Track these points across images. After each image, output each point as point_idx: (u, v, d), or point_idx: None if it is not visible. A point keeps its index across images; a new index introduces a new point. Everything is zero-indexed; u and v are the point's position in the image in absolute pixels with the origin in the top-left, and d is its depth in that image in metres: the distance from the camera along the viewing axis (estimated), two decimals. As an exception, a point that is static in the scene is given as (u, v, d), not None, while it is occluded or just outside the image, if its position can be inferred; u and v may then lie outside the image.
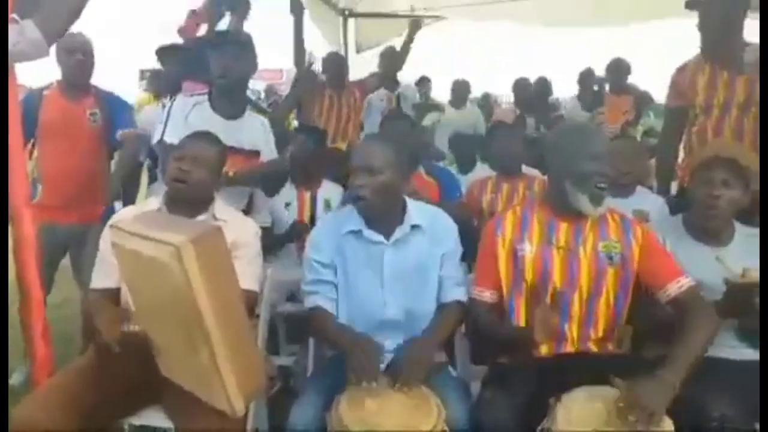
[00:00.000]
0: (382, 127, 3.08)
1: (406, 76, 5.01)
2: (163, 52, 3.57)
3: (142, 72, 3.41)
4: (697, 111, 2.62)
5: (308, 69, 3.71)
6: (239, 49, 2.44)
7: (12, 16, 1.72)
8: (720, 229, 1.94)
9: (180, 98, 2.41)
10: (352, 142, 4.05)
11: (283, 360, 2.66)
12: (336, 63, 4.37)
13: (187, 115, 2.34)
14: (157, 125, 2.42)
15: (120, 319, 1.70)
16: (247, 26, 3.32)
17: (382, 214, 1.87)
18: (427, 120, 5.32)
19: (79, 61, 2.78)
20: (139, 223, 1.55)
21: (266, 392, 2.45)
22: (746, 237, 1.95)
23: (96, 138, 2.87)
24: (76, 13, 1.86)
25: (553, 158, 1.85)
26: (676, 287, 1.74)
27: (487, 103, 7.26)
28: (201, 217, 1.97)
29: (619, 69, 4.78)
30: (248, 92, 3.24)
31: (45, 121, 2.76)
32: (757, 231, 1.98)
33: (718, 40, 2.50)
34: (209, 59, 2.41)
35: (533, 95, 5.29)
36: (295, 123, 4.72)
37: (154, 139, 2.44)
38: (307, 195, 2.91)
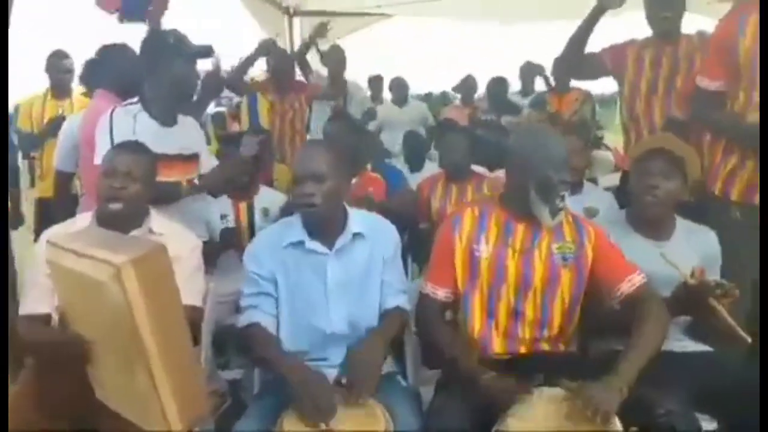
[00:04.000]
0: (325, 130, 3.03)
1: (354, 75, 4.94)
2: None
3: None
4: (625, 88, 2.64)
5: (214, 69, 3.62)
6: (195, 58, 2.36)
7: None
8: (661, 221, 1.97)
9: (118, 111, 2.24)
10: (296, 146, 3.97)
11: (233, 374, 2.59)
12: (283, 62, 4.20)
13: (134, 128, 2.20)
14: (100, 147, 2.17)
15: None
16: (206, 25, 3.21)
17: (326, 223, 1.83)
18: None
19: None
20: (77, 240, 1.46)
21: (216, 409, 2.40)
22: (687, 231, 1.99)
23: None
24: None
25: (515, 163, 1.84)
26: (628, 285, 1.75)
27: (445, 100, 7.28)
28: (135, 232, 1.88)
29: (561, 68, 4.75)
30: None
31: None
32: (697, 225, 2.02)
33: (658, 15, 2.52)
34: (156, 67, 2.27)
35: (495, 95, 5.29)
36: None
37: (100, 162, 2.16)
38: (243, 205, 2.81)
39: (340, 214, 1.85)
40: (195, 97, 3.43)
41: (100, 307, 1.35)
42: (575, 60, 2.67)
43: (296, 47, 5.09)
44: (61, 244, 1.45)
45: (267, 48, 3.92)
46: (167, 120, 2.33)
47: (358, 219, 1.87)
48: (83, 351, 1.51)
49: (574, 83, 4.64)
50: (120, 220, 1.84)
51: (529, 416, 1.51)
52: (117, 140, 2.13)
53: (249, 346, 1.85)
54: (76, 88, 3.67)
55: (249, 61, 3.88)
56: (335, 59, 4.60)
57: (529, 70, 5.39)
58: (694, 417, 1.60)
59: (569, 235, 1.83)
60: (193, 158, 2.43)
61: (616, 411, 1.44)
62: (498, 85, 5.27)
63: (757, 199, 2.13)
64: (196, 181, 2.37)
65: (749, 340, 1.57)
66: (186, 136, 2.41)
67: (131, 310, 1.29)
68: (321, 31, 4.48)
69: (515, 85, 5.56)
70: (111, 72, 2.67)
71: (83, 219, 1.93)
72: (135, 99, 2.31)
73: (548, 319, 1.81)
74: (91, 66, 2.98)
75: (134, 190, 1.85)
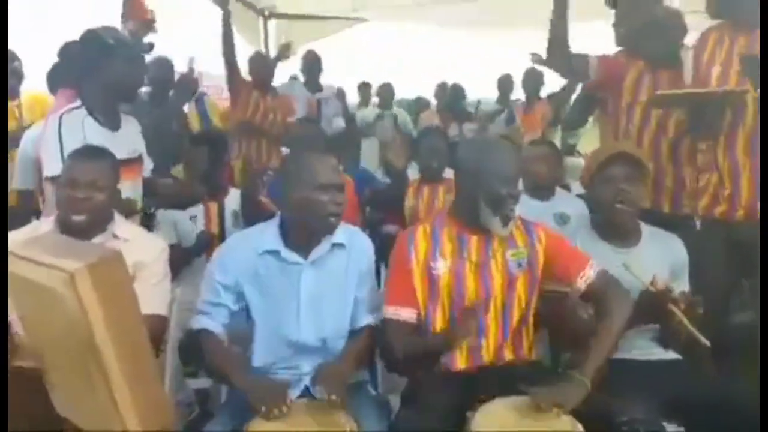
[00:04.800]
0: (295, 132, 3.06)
1: (328, 79, 4.95)
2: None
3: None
4: (608, 103, 2.65)
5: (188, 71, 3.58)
6: (142, 56, 2.31)
7: None
8: (628, 229, 1.97)
9: (66, 118, 2.14)
10: (277, 147, 4.00)
11: (202, 383, 2.54)
12: (261, 64, 4.26)
13: (84, 133, 2.11)
14: (50, 155, 2.08)
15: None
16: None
17: (309, 233, 1.81)
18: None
19: None
20: (31, 247, 1.41)
21: (183, 419, 2.36)
22: (653, 237, 2.00)
23: None
24: None
25: (465, 174, 1.83)
26: (582, 282, 1.76)
27: (419, 106, 7.30)
28: (99, 238, 1.83)
29: (533, 78, 4.76)
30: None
31: None
32: (664, 231, 2.04)
33: (632, 37, 2.53)
34: (94, 68, 2.20)
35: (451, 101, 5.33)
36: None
37: (51, 172, 2.06)
38: (214, 206, 2.74)
39: None
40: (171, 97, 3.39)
41: (56, 316, 1.30)
42: (561, 56, 2.61)
43: (271, 49, 5.08)
44: (15, 252, 1.40)
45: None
46: (112, 123, 2.26)
47: (339, 229, 1.84)
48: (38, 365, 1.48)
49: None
50: (83, 227, 1.80)
51: (493, 425, 1.52)
52: (67, 148, 2.01)
53: (198, 351, 1.84)
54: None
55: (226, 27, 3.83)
56: (310, 63, 4.66)
57: (506, 83, 5.46)
58: (660, 424, 1.61)
59: (521, 240, 1.83)
60: (139, 160, 2.38)
61: (575, 404, 1.47)
62: (452, 91, 5.34)
63: (717, 212, 2.16)
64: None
65: (708, 344, 1.59)
66: (130, 138, 2.36)
67: (87, 318, 1.24)
68: (285, 52, 4.55)
69: (492, 93, 5.60)
70: (72, 69, 2.51)
71: (46, 223, 1.88)
72: (78, 102, 2.22)
73: (509, 326, 1.81)
74: (55, 66, 2.87)
75: (99, 200, 1.79)
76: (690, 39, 2.46)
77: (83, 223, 1.78)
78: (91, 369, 1.30)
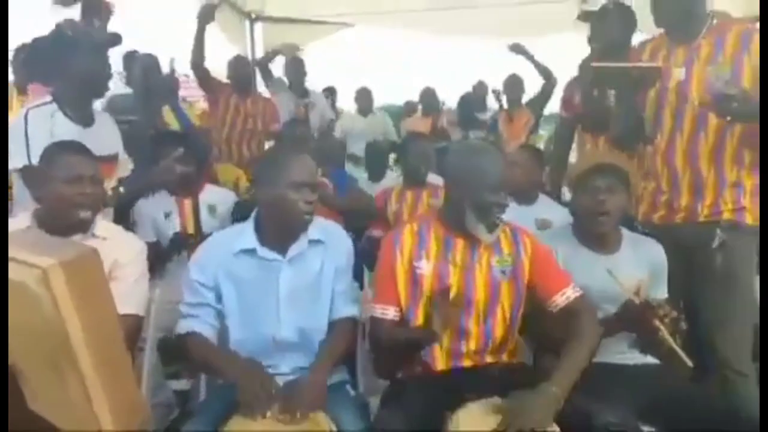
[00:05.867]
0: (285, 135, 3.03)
1: (313, 84, 4.95)
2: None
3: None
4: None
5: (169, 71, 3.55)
6: (106, 50, 2.27)
7: None
8: (608, 235, 1.99)
9: (33, 112, 2.13)
10: (255, 151, 3.95)
11: (183, 384, 2.51)
12: (241, 67, 4.19)
13: (51, 129, 2.10)
14: (15, 148, 2.06)
15: None
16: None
17: (285, 230, 1.81)
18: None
19: None
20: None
21: (163, 419, 2.33)
22: (634, 243, 2.02)
23: None
24: None
25: (453, 181, 1.83)
26: (562, 299, 1.78)
27: (408, 110, 7.32)
28: (78, 236, 1.81)
29: (514, 85, 4.80)
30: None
31: None
32: (644, 237, 2.07)
33: (606, 51, 2.59)
34: (62, 63, 2.17)
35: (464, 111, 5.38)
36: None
37: (17, 164, 2.07)
38: (188, 202, 2.69)
39: None
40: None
41: (29, 313, 1.28)
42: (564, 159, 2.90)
43: (257, 52, 5.06)
44: None
45: (207, 14, 3.77)
46: (84, 119, 2.24)
47: (315, 225, 1.85)
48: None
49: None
50: (66, 223, 1.78)
51: (471, 427, 1.52)
52: (34, 144, 2.02)
53: (188, 353, 1.82)
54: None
55: (200, 35, 3.77)
56: (295, 68, 4.65)
57: (481, 89, 5.54)
58: (638, 428, 1.63)
59: (507, 247, 1.84)
60: (113, 159, 2.35)
61: (551, 421, 1.47)
62: (467, 101, 5.38)
63: (656, 219, 2.20)
64: (121, 189, 2.28)
65: (690, 364, 1.61)
66: (104, 136, 2.33)
67: (60, 316, 1.23)
68: (291, 51, 4.54)
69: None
70: (44, 63, 2.47)
71: (22, 219, 1.84)
72: (48, 98, 2.20)
73: (491, 332, 1.82)
74: (23, 59, 2.80)
75: (100, 195, 1.82)
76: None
77: (90, 218, 1.80)
78: (64, 367, 1.29)
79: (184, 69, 4.17)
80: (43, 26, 2.33)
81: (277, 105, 4.32)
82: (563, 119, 3.01)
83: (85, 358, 1.28)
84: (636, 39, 2.59)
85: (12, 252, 1.32)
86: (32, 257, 1.26)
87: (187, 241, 2.55)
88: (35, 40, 2.47)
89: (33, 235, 1.72)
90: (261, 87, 4.80)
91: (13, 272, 1.28)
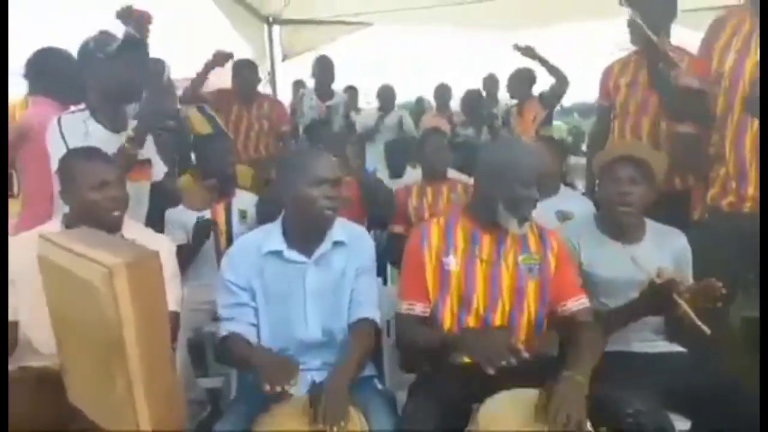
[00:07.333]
0: (308, 134, 3.03)
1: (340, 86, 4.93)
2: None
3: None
4: (617, 111, 2.70)
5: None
6: (143, 59, 2.30)
7: None
8: (632, 225, 1.99)
9: (66, 118, 2.17)
10: (260, 158, 3.89)
11: (212, 382, 2.56)
12: (245, 72, 3.97)
13: (86, 132, 2.15)
14: (55, 152, 2.08)
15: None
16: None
17: (310, 231, 1.83)
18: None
19: None
20: (70, 237, 1.42)
21: (195, 417, 2.38)
22: (657, 233, 2.02)
23: None
24: None
25: (485, 175, 1.84)
26: (576, 304, 1.79)
27: (420, 107, 7.32)
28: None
29: (523, 78, 4.74)
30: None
31: None
32: (667, 227, 2.05)
33: (646, 37, 2.53)
34: (90, 74, 2.21)
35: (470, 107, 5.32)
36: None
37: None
38: (220, 206, 2.77)
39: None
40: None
41: (87, 308, 1.31)
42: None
43: (276, 56, 5.10)
44: (55, 240, 1.40)
45: (222, 59, 3.76)
46: (116, 125, 2.27)
47: (339, 227, 1.87)
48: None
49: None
50: (97, 226, 1.82)
51: (499, 417, 1.52)
52: (71, 145, 2.06)
53: (228, 356, 1.83)
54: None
55: (204, 73, 3.77)
56: (323, 69, 4.59)
57: (491, 82, 5.50)
58: (665, 416, 1.61)
59: (534, 246, 1.84)
60: (146, 164, 2.38)
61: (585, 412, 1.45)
62: (471, 97, 5.29)
63: (725, 204, 2.16)
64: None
65: (708, 331, 1.59)
66: None
67: (118, 314, 1.25)
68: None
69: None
70: (51, 77, 2.55)
71: (53, 224, 1.89)
72: (82, 106, 2.24)
73: (516, 328, 1.81)
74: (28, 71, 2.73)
75: (126, 195, 1.88)
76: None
77: (120, 218, 1.85)
78: (114, 365, 1.31)
79: (184, 73, 4.15)
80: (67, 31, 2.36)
81: (294, 106, 4.31)
82: (599, 109, 2.94)
83: (135, 360, 1.29)
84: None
85: (78, 246, 1.33)
86: (98, 254, 1.28)
87: (210, 226, 2.60)
88: (53, 52, 2.56)
89: (94, 234, 1.67)
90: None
91: (77, 267, 1.30)
